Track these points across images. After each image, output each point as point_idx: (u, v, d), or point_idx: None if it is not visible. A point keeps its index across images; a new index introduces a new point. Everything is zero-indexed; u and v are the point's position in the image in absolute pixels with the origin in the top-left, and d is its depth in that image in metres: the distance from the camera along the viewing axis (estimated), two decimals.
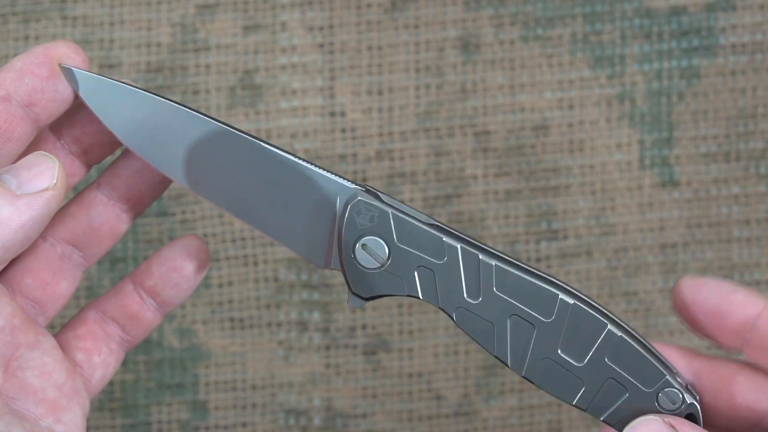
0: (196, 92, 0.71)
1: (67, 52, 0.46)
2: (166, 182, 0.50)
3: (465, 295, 0.44)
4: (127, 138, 0.47)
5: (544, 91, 0.72)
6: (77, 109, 0.48)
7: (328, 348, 0.72)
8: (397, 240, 0.44)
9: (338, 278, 0.72)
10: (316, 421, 0.73)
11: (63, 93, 0.46)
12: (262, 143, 0.45)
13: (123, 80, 0.48)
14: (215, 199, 0.47)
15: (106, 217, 0.50)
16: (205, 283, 0.72)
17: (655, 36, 0.72)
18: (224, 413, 0.72)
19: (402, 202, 0.46)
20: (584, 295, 0.44)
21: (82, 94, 0.47)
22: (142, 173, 0.49)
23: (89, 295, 0.71)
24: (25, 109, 0.46)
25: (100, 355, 0.49)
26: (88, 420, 0.72)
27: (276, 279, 0.72)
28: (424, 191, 0.72)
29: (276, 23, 0.72)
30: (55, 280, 0.49)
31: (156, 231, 0.72)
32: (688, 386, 0.44)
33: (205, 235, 0.72)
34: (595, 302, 0.45)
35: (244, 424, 0.72)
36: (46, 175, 0.44)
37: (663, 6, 0.72)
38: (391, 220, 0.44)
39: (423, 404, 0.73)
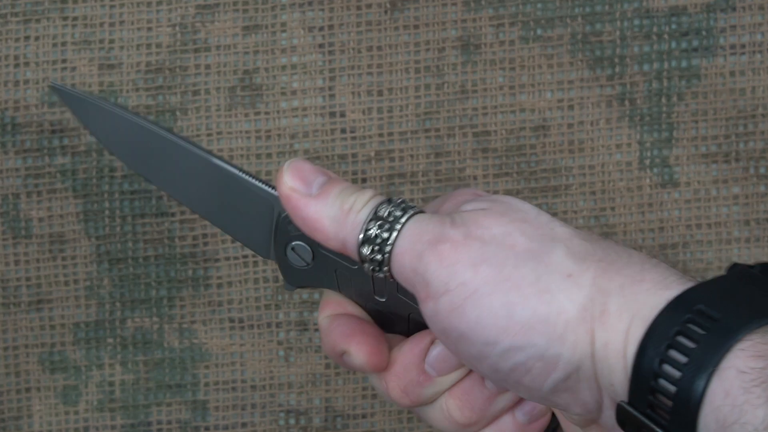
0: (196, 92, 0.71)
1: None
2: None
3: (374, 295, 0.51)
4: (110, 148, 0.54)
5: (544, 91, 0.72)
6: None
7: None
8: (320, 247, 0.51)
9: None
10: (316, 421, 0.73)
11: None
12: (209, 156, 0.52)
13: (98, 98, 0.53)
14: (176, 196, 0.54)
15: None
16: (205, 283, 0.72)
17: (655, 36, 0.72)
18: (224, 413, 0.72)
19: None
20: None
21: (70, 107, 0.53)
22: None
23: (89, 295, 0.71)
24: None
25: None
26: (87, 420, 0.72)
27: (276, 279, 0.72)
28: (424, 191, 0.72)
29: (276, 23, 0.72)
30: None
31: (156, 231, 0.72)
32: None
33: (205, 235, 0.72)
34: None
35: (244, 424, 0.72)
36: None
37: (663, 6, 0.72)
38: None
39: None
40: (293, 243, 0.51)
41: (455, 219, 0.47)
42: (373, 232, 0.48)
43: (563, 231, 0.49)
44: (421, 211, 0.48)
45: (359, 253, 0.48)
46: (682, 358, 0.43)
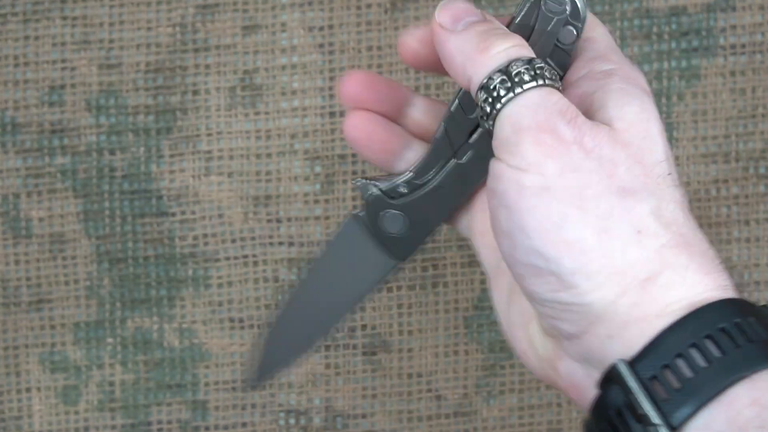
0: (196, 92, 0.71)
1: None
2: None
3: None
4: None
5: None
6: None
7: (328, 348, 0.72)
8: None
9: None
10: (316, 421, 0.73)
11: None
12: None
13: None
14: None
15: None
16: (205, 283, 0.72)
17: (655, 36, 0.72)
18: (224, 413, 0.72)
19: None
20: None
21: None
22: None
23: (89, 295, 0.71)
24: None
25: None
26: (87, 420, 0.72)
27: (276, 279, 0.72)
28: None
29: (276, 23, 0.72)
30: None
31: (156, 231, 0.72)
32: None
33: (206, 235, 0.72)
34: None
35: (244, 424, 0.72)
36: None
37: (663, 6, 0.72)
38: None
39: (423, 404, 0.73)
40: (381, 212, 0.55)
41: (577, 120, 0.46)
42: (494, 83, 0.47)
43: (669, 193, 0.47)
44: (554, 86, 0.47)
45: (476, 95, 0.48)
46: (716, 352, 0.43)
